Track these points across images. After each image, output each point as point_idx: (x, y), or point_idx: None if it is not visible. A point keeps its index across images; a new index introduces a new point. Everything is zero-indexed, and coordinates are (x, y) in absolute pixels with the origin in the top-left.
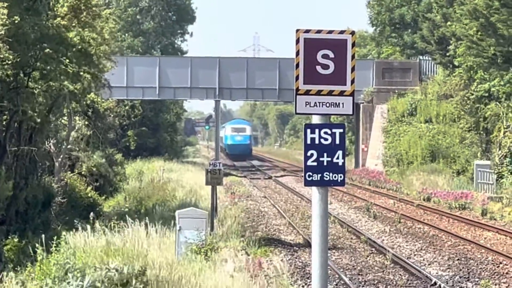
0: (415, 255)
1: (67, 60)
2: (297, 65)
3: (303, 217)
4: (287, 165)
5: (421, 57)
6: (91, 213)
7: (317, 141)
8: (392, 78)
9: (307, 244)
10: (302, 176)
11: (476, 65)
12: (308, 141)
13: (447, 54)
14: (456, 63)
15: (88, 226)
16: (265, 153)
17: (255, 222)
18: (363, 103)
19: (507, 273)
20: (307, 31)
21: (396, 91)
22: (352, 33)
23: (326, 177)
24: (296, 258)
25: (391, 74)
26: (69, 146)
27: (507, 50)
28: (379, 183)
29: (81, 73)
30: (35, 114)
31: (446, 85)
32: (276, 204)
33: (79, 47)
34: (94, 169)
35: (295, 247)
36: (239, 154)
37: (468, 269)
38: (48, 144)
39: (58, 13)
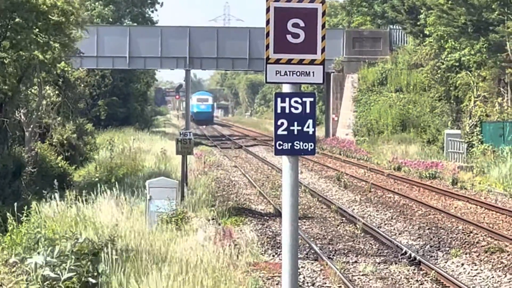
0: (385, 224)
1: (37, 30)
2: (267, 34)
3: (274, 187)
4: (258, 135)
5: (391, 27)
6: (55, 181)
7: (287, 110)
8: (362, 48)
9: (278, 214)
10: (273, 146)
11: (446, 34)
12: (279, 110)
13: (418, 23)
14: (426, 33)
15: (57, 196)
16: (236, 122)
17: (225, 191)
18: (333, 72)
19: (477, 242)
20: (277, 0)
21: (367, 61)
22: (323, 2)
23: (297, 146)
24: (266, 227)
25: (361, 43)
26: (39, 116)
27: (477, 19)
28: (350, 152)
29: (52, 43)
30: (5, 84)
31: (417, 55)
32: (247, 173)
33: (50, 16)
34: (65, 139)
35: (265, 217)
36: (203, 119)
37: (438, 238)
38: (18, 114)
39: None
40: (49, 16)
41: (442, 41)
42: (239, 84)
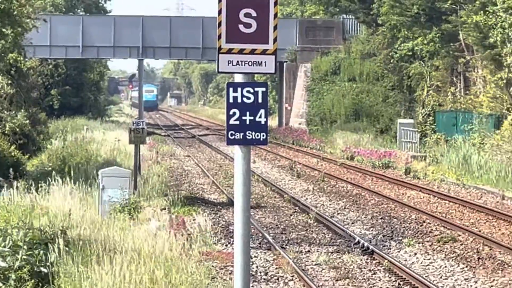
0: (338, 213)
1: None
2: (220, 24)
3: (227, 176)
4: (211, 124)
5: (344, 16)
6: (10, 170)
7: (239, 100)
8: (315, 37)
9: (231, 203)
10: (225, 135)
11: (399, 24)
12: (231, 100)
13: (371, 12)
14: (379, 22)
15: (11, 185)
16: (189, 111)
17: (178, 181)
18: (286, 62)
19: (430, 231)
20: None
21: (320, 50)
22: None
23: (249, 136)
24: (219, 217)
25: (314, 33)
26: None
27: (430, 8)
28: (303, 142)
29: (4, 32)
30: None
31: (370, 44)
32: (200, 163)
33: (2, 6)
34: (17, 126)
35: (218, 206)
36: (150, 107)
37: (391, 228)
38: None
39: None
40: (1, 7)
41: (395, 30)
42: (192, 74)
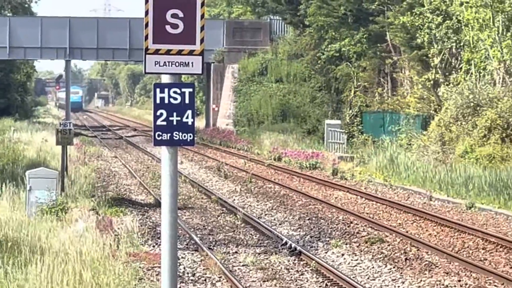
0: (266, 214)
1: None
2: (146, 25)
3: (154, 177)
4: (138, 125)
5: (271, 17)
6: None
7: (166, 101)
8: (243, 38)
9: (158, 204)
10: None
11: (326, 24)
12: (158, 101)
13: (298, 13)
14: (306, 23)
15: None
16: (116, 112)
17: (106, 182)
18: (214, 62)
19: (357, 232)
20: None
21: (247, 51)
22: None
23: (176, 137)
24: (147, 218)
25: (241, 33)
26: None
27: (358, 9)
28: (230, 143)
29: None
30: None
31: (297, 45)
32: (127, 164)
33: None
34: None
35: (146, 207)
36: (76, 107)
37: (319, 229)
38: None
39: None
40: None
41: (322, 31)
42: (119, 74)
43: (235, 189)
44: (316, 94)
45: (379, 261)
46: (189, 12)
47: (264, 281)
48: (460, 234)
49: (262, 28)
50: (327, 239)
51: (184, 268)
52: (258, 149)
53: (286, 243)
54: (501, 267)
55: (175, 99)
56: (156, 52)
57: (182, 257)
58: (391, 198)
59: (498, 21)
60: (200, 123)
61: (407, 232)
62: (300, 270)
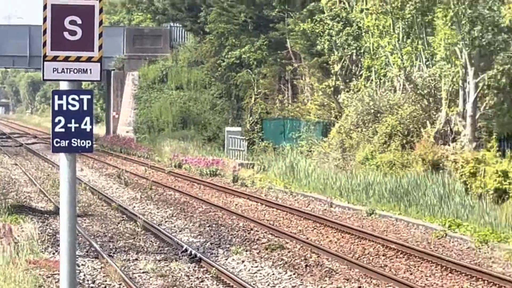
0: (166, 221)
1: None
2: (45, 31)
3: (54, 185)
4: (39, 132)
5: (172, 24)
6: None
7: (64, 108)
8: (143, 45)
9: (58, 211)
10: None
11: (227, 31)
12: (56, 108)
13: (198, 21)
14: (207, 30)
15: None
16: (17, 120)
17: (6, 189)
18: (114, 70)
19: (258, 239)
20: None
21: (147, 58)
22: None
23: (74, 144)
24: (47, 225)
25: (142, 41)
26: None
27: (258, 16)
28: (131, 150)
29: None
30: None
31: (197, 52)
32: (28, 171)
33: None
34: None
35: (46, 214)
36: None
37: (219, 236)
38: None
39: None
40: None
41: (222, 38)
42: (20, 82)
43: (136, 196)
44: (216, 101)
45: (279, 267)
46: (87, 19)
47: None
48: (360, 241)
49: (162, 35)
50: (228, 246)
51: (84, 275)
52: (158, 157)
53: (186, 250)
54: (401, 273)
55: (74, 106)
56: (54, 58)
57: (82, 264)
58: (291, 205)
59: (398, 28)
60: (100, 130)
61: (307, 238)
62: (200, 277)
